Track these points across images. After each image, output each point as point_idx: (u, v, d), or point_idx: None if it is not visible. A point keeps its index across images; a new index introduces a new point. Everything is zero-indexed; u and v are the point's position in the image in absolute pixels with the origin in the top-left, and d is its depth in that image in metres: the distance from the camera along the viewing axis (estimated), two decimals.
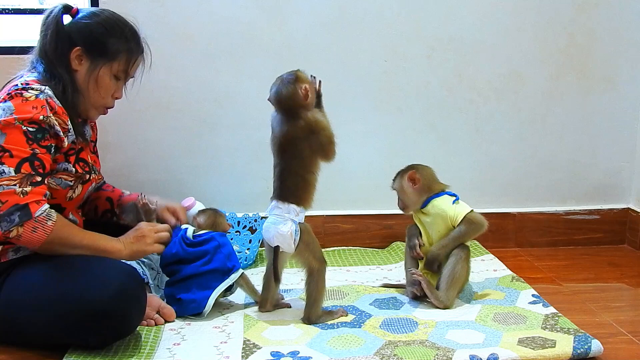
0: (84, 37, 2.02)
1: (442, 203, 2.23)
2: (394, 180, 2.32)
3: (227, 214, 2.71)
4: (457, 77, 2.83)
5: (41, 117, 1.88)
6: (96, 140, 2.27)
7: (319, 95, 2.11)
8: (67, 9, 2.05)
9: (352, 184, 2.86)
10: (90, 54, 2.03)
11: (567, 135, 2.92)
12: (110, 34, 2.04)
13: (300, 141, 2.03)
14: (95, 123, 2.26)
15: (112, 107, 2.14)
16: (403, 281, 2.36)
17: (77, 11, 2.07)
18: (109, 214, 2.30)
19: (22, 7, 2.65)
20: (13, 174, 1.83)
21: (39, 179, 1.87)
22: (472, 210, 2.23)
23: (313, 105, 2.07)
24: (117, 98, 2.12)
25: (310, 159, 2.05)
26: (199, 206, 2.33)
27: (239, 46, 2.71)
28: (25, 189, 1.84)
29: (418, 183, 2.25)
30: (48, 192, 1.91)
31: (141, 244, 2.06)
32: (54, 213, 1.88)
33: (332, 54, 2.75)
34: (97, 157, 2.26)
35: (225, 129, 2.76)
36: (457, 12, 2.78)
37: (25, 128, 1.87)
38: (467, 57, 2.82)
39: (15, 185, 1.83)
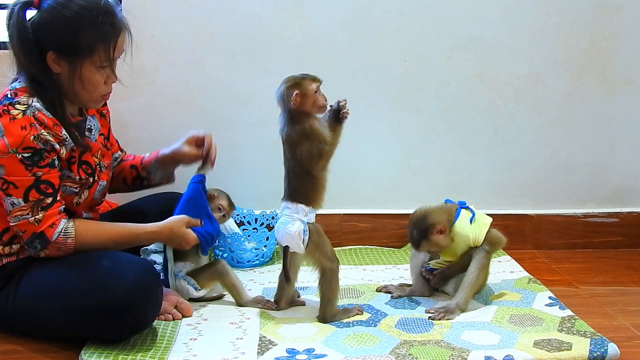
0: (52, 40, 1.84)
1: (463, 228, 2.20)
2: (417, 246, 2.22)
3: (244, 211, 2.73)
4: (477, 77, 2.82)
5: (32, 138, 1.81)
6: (109, 128, 2.22)
7: (339, 113, 2.02)
8: (27, 4, 1.84)
9: (369, 183, 2.86)
10: (65, 55, 1.86)
11: (587, 137, 2.90)
12: (78, 29, 1.83)
13: (297, 145, 1.99)
14: (107, 108, 2.18)
15: (109, 93, 2.00)
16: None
17: (40, 1, 1.84)
18: (137, 180, 2.33)
19: None
20: (23, 203, 1.84)
21: (49, 200, 1.86)
22: (490, 228, 2.22)
23: (316, 114, 2.01)
24: (112, 83, 1.97)
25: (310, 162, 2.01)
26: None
27: (260, 44, 2.72)
28: (37, 216, 1.84)
29: (445, 230, 2.19)
30: (62, 206, 1.90)
31: (180, 239, 2.09)
32: (71, 228, 1.89)
33: (352, 53, 2.75)
34: (110, 143, 2.22)
35: (244, 127, 2.77)
36: (477, 12, 2.77)
37: (20, 156, 1.81)
38: (487, 58, 2.80)
39: (27, 214, 1.84)
